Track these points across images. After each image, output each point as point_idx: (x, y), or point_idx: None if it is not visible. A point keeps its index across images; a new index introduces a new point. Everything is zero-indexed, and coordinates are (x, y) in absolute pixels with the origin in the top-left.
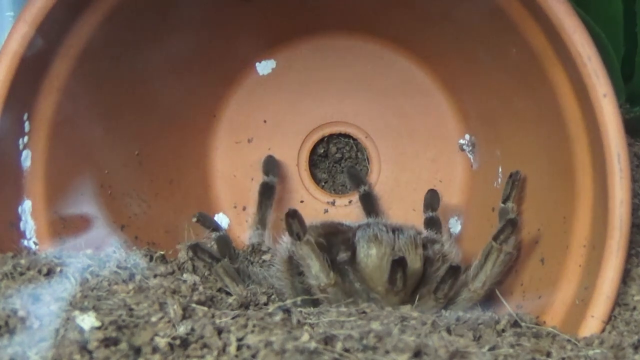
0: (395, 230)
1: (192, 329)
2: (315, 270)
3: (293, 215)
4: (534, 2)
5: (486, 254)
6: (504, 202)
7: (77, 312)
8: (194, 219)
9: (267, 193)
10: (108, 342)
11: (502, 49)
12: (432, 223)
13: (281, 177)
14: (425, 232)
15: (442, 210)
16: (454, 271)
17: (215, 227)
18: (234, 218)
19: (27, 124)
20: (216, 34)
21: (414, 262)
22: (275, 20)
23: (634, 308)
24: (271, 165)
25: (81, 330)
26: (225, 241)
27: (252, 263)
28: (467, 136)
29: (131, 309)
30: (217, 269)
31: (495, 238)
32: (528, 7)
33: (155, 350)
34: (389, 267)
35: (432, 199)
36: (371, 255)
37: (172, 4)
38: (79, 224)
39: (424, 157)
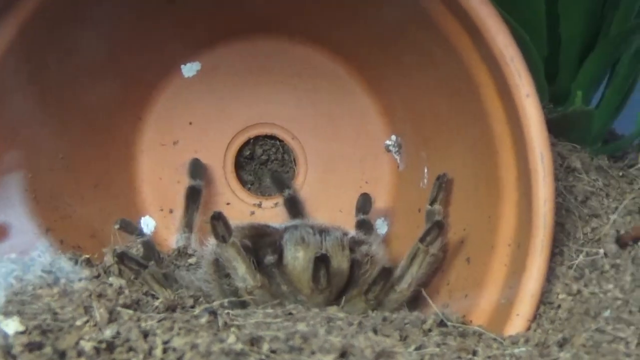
0: (322, 232)
1: (118, 333)
2: (242, 273)
3: (218, 218)
4: (457, 4)
5: (412, 255)
6: (431, 203)
7: (1, 317)
8: (116, 226)
9: (193, 197)
10: (32, 347)
11: (426, 51)
12: (363, 225)
13: (207, 180)
14: (352, 233)
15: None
16: (386, 273)
17: (139, 233)
18: (160, 221)
19: None
20: (140, 36)
21: (341, 262)
22: (199, 22)
23: (559, 306)
24: (197, 169)
25: (5, 335)
26: (149, 246)
27: (178, 267)
28: (393, 137)
29: (56, 313)
30: (144, 276)
31: (421, 240)
32: (451, 9)
33: (80, 354)
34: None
35: (364, 203)
36: (298, 258)
37: (91, 7)
38: (3, 228)
39: (350, 158)
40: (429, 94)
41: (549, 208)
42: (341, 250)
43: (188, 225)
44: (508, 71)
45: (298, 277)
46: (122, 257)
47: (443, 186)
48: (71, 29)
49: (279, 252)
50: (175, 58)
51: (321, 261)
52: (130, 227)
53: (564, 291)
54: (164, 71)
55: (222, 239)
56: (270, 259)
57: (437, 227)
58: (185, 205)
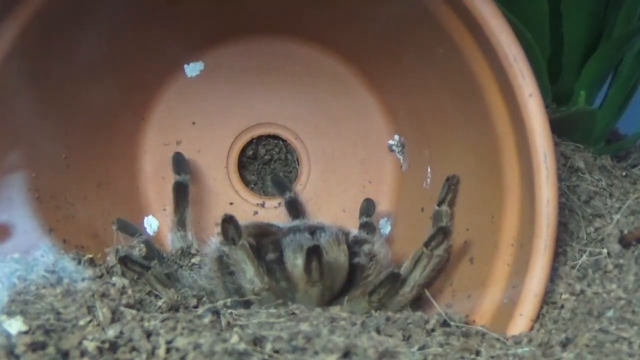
0: (318, 229)
1: (121, 332)
2: (250, 275)
3: (229, 221)
4: (460, 2)
5: (416, 259)
6: (439, 204)
7: (4, 317)
8: (114, 227)
9: (182, 193)
10: (35, 347)
11: (429, 50)
12: (366, 227)
13: (199, 176)
14: (354, 232)
15: None
16: (394, 277)
17: (138, 233)
18: (163, 221)
19: None
20: (141, 37)
21: (338, 257)
22: (200, 22)
23: (562, 306)
24: (180, 163)
25: (8, 335)
26: (149, 246)
27: (181, 267)
28: (396, 137)
29: (59, 313)
30: (148, 277)
31: (426, 244)
32: (454, 8)
33: (83, 354)
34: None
35: (367, 207)
36: (297, 266)
37: (92, 8)
38: (6, 228)
39: (353, 157)
40: (431, 93)
41: (552, 208)
42: (337, 245)
43: (181, 223)
44: (511, 71)
45: (298, 282)
46: (125, 261)
47: (452, 187)
48: (73, 30)
49: (280, 251)
50: (178, 58)
51: (313, 252)
52: (127, 227)
53: (567, 291)
54: (167, 71)
55: (232, 241)
56: (271, 256)
57: (442, 233)
58: (174, 202)
